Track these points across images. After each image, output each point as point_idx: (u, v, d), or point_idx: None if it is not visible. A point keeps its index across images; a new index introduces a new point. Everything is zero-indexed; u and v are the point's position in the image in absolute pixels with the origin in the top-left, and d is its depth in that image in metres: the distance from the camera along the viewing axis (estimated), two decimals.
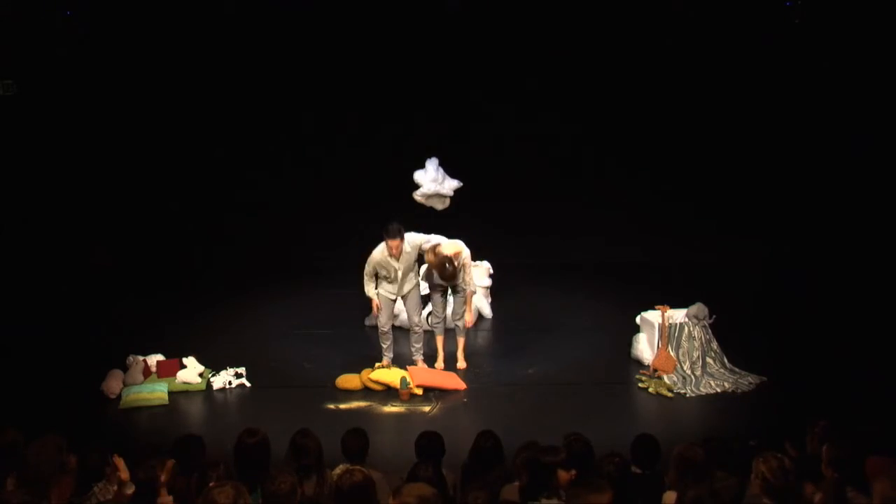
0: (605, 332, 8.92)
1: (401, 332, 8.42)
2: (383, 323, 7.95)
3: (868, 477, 4.39)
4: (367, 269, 7.74)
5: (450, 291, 8.01)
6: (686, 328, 8.02)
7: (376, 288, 7.83)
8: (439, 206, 8.42)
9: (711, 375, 7.86)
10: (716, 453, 4.76)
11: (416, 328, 8.08)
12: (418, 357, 8.09)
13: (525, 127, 10.63)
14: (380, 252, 7.66)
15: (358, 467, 4.47)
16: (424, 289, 8.28)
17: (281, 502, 4.08)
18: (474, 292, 8.05)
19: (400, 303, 8.03)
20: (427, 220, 8.30)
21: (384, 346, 8.00)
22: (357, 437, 5.17)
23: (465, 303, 8.04)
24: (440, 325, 8.14)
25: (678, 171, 10.67)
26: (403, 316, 8.40)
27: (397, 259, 7.64)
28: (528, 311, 9.64)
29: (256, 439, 4.68)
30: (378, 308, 7.88)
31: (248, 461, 4.61)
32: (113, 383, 7.70)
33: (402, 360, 8.07)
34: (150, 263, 10.76)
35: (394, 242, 7.52)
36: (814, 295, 9.57)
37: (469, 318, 8.09)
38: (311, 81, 10.68)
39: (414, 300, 7.97)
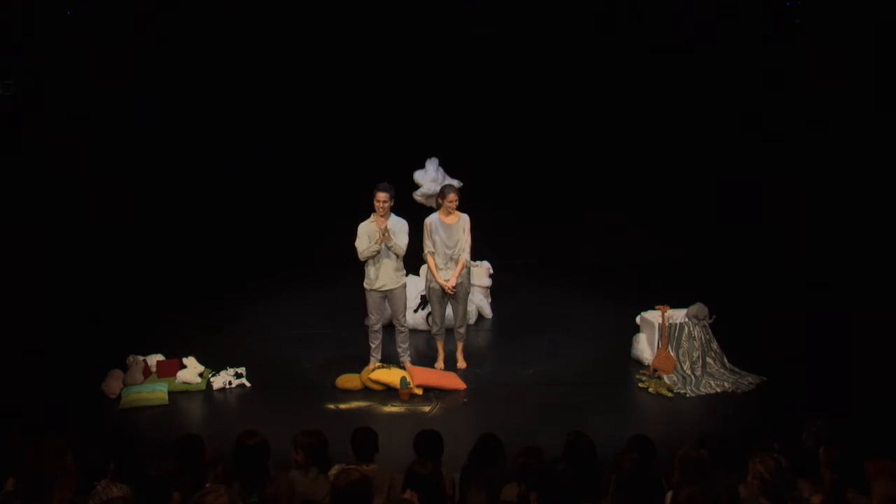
0: (605, 332, 8.93)
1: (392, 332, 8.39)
2: (373, 322, 7.91)
3: (868, 477, 4.38)
4: (359, 232, 7.66)
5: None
6: (686, 328, 8.02)
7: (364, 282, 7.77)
8: None
9: (711, 375, 7.86)
10: (717, 453, 4.75)
11: (402, 328, 7.99)
12: (405, 358, 8.01)
13: (525, 126, 10.63)
14: (366, 223, 7.62)
15: (354, 466, 4.47)
16: (419, 292, 8.25)
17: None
18: (467, 260, 7.87)
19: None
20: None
21: (372, 345, 7.95)
22: (368, 435, 5.17)
23: (466, 303, 8.04)
24: (441, 331, 8.12)
25: (678, 170, 10.67)
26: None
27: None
28: (528, 311, 9.65)
29: (256, 441, 4.67)
30: (385, 230, 7.53)
31: (248, 462, 4.61)
32: (113, 383, 7.71)
33: (392, 361, 8.01)
34: (150, 263, 10.75)
35: (382, 195, 7.46)
36: (813, 295, 9.56)
37: (452, 282, 7.78)
38: (310, 80, 10.68)
39: (399, 300, 7.86)
